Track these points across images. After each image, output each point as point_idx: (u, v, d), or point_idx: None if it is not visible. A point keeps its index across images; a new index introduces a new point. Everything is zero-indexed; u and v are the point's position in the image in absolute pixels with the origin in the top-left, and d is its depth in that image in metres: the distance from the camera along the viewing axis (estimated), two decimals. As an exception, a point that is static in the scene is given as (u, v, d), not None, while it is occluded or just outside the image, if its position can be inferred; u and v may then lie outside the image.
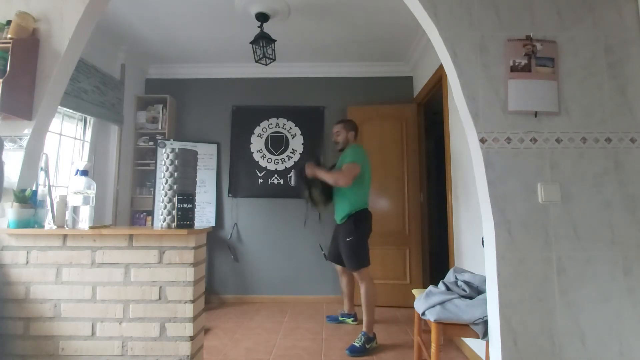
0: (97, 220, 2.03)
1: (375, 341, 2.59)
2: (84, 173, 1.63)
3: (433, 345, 1.69)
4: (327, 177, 2.68)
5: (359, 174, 2.66)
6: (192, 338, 1.51)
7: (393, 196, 3.74)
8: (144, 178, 3.91)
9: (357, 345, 2.49)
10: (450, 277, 1.96)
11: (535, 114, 1.54)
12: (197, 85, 4.12)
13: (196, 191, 1.66)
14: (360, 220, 2.69)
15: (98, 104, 3.23)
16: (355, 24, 3.17)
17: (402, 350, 2.57)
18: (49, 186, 1.83)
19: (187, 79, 4.11)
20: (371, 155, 3.79)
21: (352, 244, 2.65)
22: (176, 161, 1.57)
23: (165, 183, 1.57)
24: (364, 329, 2.60)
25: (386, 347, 2.63)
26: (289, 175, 3.12)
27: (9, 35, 1.60)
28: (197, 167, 1.69)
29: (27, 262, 1.54)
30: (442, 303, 1.71)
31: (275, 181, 3.97)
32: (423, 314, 1.77)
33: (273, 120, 4.06)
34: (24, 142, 1.66)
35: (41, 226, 1.62)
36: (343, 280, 3.08)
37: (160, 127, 3.88)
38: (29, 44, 1.64)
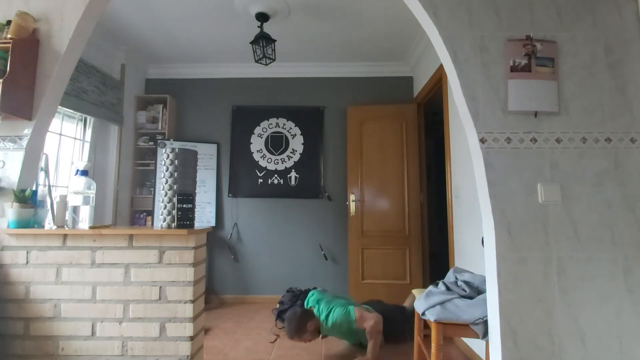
0: (97, 220, 2.04)
1: None
2: (84, 173, 1.63)
3: (433, 345, 1.69)
4: (375, 348, 2.38)
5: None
6: (192, 338, 1.51)
7: (393, 196, 3.74)
8: (144, 178, 3.91)
9: None
10: (450, 277, 1.96)
11: (535, 114, 1.54)
12: (197, 85, 4.12)
13: (196, 191, 1.66)
14: None
15: (98, 104, 3.23)
16: (355, 24, 3.17)
17: (402, 350, 2.57)
18: (49, 186, 1.83)
19: (187, 79, 4.12)
20: (371, 155, 3.83)
21: None
22: (176, 161, 1.57)
23: (165, 183, 1.57)
24: None
25: (386, 347, 2.63)
26: None
27: (9, 35, 1.60)
28: (197, 167, 1.69)
29: (27, 262, 1.54)
30: (442, 303, 1.70)
31: (275, 181, 3.97)
32: (423, 314, 1.77)
33: (273, 120, 4.06)
34: (24, 142, 1.65)
35: (41, 226, 1.62)
36: None
37: (160, 127, 3.88)
38: (29, 44, 1.64)
